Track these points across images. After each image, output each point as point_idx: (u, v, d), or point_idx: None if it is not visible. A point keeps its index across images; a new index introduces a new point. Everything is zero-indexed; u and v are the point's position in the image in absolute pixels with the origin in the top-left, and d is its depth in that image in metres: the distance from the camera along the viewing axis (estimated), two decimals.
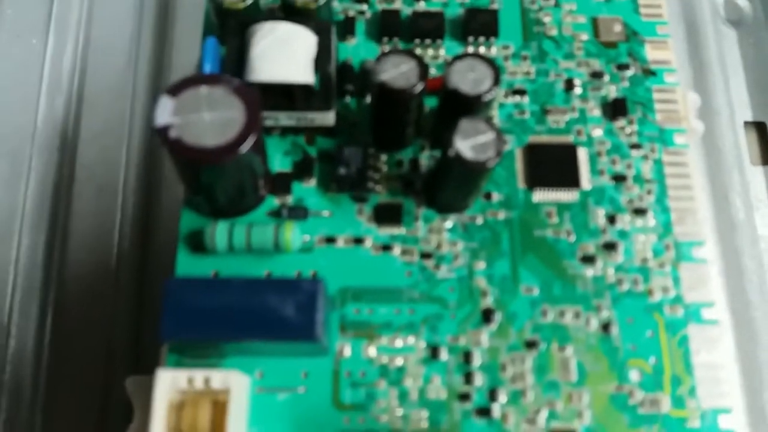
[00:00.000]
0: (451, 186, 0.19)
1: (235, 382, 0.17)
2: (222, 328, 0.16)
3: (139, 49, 0.32)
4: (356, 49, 0.23)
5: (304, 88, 0.20)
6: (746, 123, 0.33)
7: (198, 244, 0.20)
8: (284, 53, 0.19)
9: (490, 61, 0.19)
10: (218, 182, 0.18)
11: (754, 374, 0.28)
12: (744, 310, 0.29)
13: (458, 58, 0.19)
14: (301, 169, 0.21)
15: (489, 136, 0.18)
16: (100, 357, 0.28)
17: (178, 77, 0.32)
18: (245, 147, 0.17)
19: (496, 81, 0.19)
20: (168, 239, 0.30)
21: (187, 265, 0.20)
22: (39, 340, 0.28)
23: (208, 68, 0.19)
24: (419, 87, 0.19)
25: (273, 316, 0.16)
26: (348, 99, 0.22)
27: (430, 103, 0.22)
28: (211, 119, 0.17)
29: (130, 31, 0.32)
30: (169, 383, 0.17)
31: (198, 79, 0.17)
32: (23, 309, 0.28)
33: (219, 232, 0.19)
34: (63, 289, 0.28)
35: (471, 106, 0.19)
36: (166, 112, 0.17)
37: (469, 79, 0.19)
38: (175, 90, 0.17)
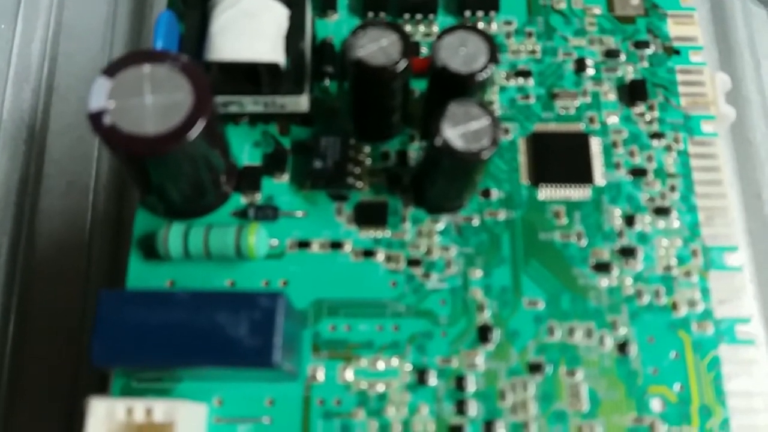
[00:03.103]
0: (440, 181, 0.17)
1: (182, 414, 0.14)
2: (162, 353, 0.14)
3: (113, 34, 0.30)
4: (338, 25, 0.20)
5: (271, 68, 0.17)
6: None
7: (152, 249, 0.17)
8: (249, 28, 0.17)
9: (485, 34, 0.16)
10: (167, 177, 0.16)
11: None
12: None
13: (447, 31, 0.16)
14: (272, 163, 0.19)
15: (483, 122, 0.15)
16: (67, 365, 0.25)
17: None
18: (193, 134, 0.14)
19: (493, 57, 0.16)
20: None
21: (140, 273, 0.17)
22: (2, 340, 0.26)
23: (159, 44, 0.17)
24: (402, 64, 0.16)
25: (223, 337, 0.14)
26: (327, 82, 0.20)
27: (421, 86, 0.19)
28: (153, 102, 0.14)
29: (104, 15, 0.30)
30: (103, 415, 0.14)
31: (140, 56, 0.15)
32: None
33: (172, 236, 0.17)
34: (28, 294, 0.26)
35: (463, 87, 0.16)
36: (101, 94, 0.14)
37: (460, 55, 0.16)
38: (113, 69, 0.14)
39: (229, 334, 0.14)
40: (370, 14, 0.20)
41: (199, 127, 0.14)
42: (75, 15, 0.30)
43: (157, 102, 0.14)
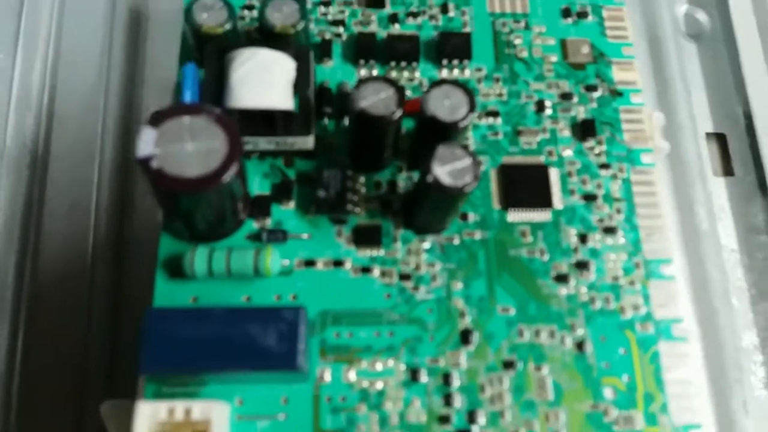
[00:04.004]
0: (429, 210, 0.20)
1: (216, 413, 0.17)
2: (202, 360, 0.16)
3: (110, 63, 0.32)
4: (333, 71, 0.23)
5: (284, 114, 0.20)
6: (707, 134, 0.34)
7: (176, 269, 0.20)
8: (264, 79, 0.20)
9: (466, 88, 0.19)
10: (199, 210, 0.18)
11: (721, 381, 0.29)
12: (709, 318, 0.30)
13: (435, 85, 0.19)
14: (280, 192, 0.21)
15: (466, 162, 0.18)
16: (73, 379, 0.27)
17: (151, 92, 0.32)
18: (228, 177, 0.17)
19: (472, 107, 0.19)
20: (142, 258, 0.29)
21: (166, 291, 0.20)
22: (10, 363, 0.27)
23: (188, 95, 0.19)
24: (398, 114, 0.19)
25: (254, 346, 0.16)
26: (326, 121, 0.22)
27: (407, 124, 0.22)
28: (193, 149, 0.17)
29: (100, 46, 0.32)
30: (149, 415, 0.17)
31: (180, 108, 0.17)
32: None
33: (198, 258, 0.19)
34: (34, 311, 0.28)
35: (447, 131, 0.19)
36: (148, 142, 0.17)
37: (445, 105, 0.19)
38: (156, 120, 0.17)
39: (259, 343, 0.16)
40: (361, 61, 0.23)
41: (233, 170, 0.17)
42: (72, 45, 0.32)
43: (197, 149, 0.17)
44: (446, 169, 0.18)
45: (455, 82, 0.19)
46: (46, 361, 0.27)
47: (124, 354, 0.28)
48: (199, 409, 0.17)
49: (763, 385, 0.29)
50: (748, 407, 0.29)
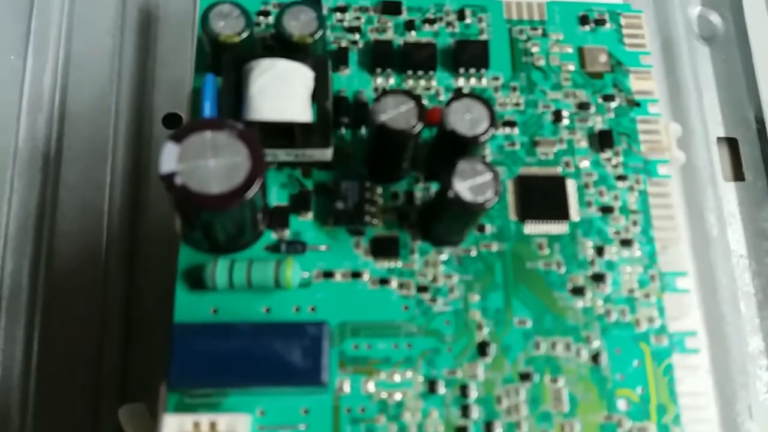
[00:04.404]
0: (447, 223, 0.20)
1: (240, 426, 0.17)
2: (228, 375, 0.16)
3: (121, 64, 0.32)
4: (349, 79, 0.23)
5: (303, 126, 0.20)
6: (719, 139, 0.35)
7: (197, 281, 0.20)
8: (283, 91, 0.20)
9: (486, 102, 0.19)
10: (221, 224, 0.18)
11: (727, 386, 0.30)
12: (717, 323, 0.31)
13: (455, 98, 0.19)
14: (298, 203, 0.21)
15: (486, 177, 0.19)
16: (88, 381, 0.27)
17: (162, 93, 0.32)
18: (251, 193, 0.17)
19: (492, 122, 0.19)
20: (156, 260, 0.29)
21: (186, 302, 0.20)
22: (26, 365, 0.27)
23: (207, 107, 0.19)
24: (418, 127, 0.19)
25: (279, 361, 0.16)
26: (343, 131, 0.22)
27: (424, 133, 0.22)
28: (216, 165, 0.17)
29: (111, 46, 0.32)
30: (175, 429, 0.17)
31: (202, 124, 0.17)
32: (9, 334, 0.28)
33: (219, 270, 0.19)
34: (49, 313, 0.28)
35: (467, 146, 0.19)
36: (171, 158, 0.17)
37: (466, 120, 0.19)
38: (179, 136, 0.17)
39: (284, 358, 0.17)
40: (378, 69, 0.23)
41: (256, 186, 0.17)
42: (83, 47, 0.32)
43: (219, 165, 0.17)
44: (467, 185, 0.18)
45: (475, 95, 0.19)
46: (61, 361, 0.28)
47: (138, 354, 0.28)
48: (224, 422, 0.17)
49: None
50: (753, 411, 0.29)
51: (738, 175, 0.34)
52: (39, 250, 0.29)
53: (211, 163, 0.17)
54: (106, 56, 0.32)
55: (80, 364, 0.28)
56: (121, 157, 0.31)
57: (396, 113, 0.19)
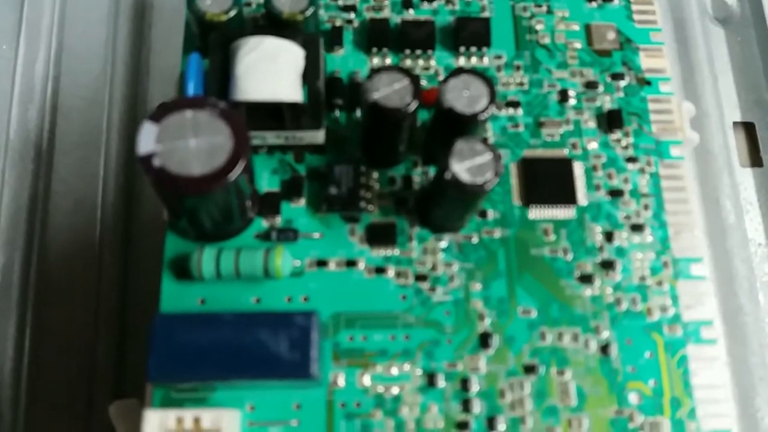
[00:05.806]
0: (446, 208, 0.19)
1: (226, 421, 0.16)
2: (211, 369, 0.15)
3: (115, 53, 0.31)
4: (344, 60, 0.22)
5: (292, 107, 0.19)
6: (735, 123, 0.33)
7: (183, 270, 0.19)
8: (271, 70, 0.19)
9: (486, 78, 0.18)
10: (205, 209, 0.17)
11: (745, 379, 0.28)
12: (735, 314, 0.29)
13: (452, 74, 0.18)
14: (290, 189, 0.20)
15: (486, 158, 0.17)
16: (81, 377, 0.27)
17: (156, 83, 0.31)
18: (234, 174, 0.16)
19: (492, 99, 0.18)
20: (150, 253, 0.29)
21: (173, 293, 0.19)
22: (17, 361, 0.27)
23: (191, 87, 0.18)
24: (413, 106, 0.18)
25: (265, 354, 0.16)
26: (337, 113, 0.21)
27: (422, 115, 0.21)
28: (196, 145, 0.16)
29: (104, 35, 0.31)
30: (157, 424, 0.16)
31: (182, 103, 0.16)
32: (0, 329, 0.27)
33: (206, 259, 0.18)
34: (41, 308, 0.27)
35: (466, 125, 0.18)
36: (149, 139, 0.16)
37: (464, 97, 0.18)
38: (158, 115, 0.16)
39: (270, 350, 0.16)
40: (374, 49, 0.22)
41: (239, 167, 0.16)
42: (76, 36, 0.31)
43: (200, 145, 0.16)
44: (465, 166, 0.17)
45: (474, 72, 0.18)
46: (53, 356, 0.27)
47: (132, 348, 0.28)
48: (209, 417, 0.16)
49: None
50: None
51: (755, 160, 0.33)
52: (31, 244, 0.28)
53: (191, 143, 0.16)
54: (100, 45, 0.31)
55: (74, 360, 0.27)
56: (114, 148, 0.30)
57: (390, 91, 0.18)
